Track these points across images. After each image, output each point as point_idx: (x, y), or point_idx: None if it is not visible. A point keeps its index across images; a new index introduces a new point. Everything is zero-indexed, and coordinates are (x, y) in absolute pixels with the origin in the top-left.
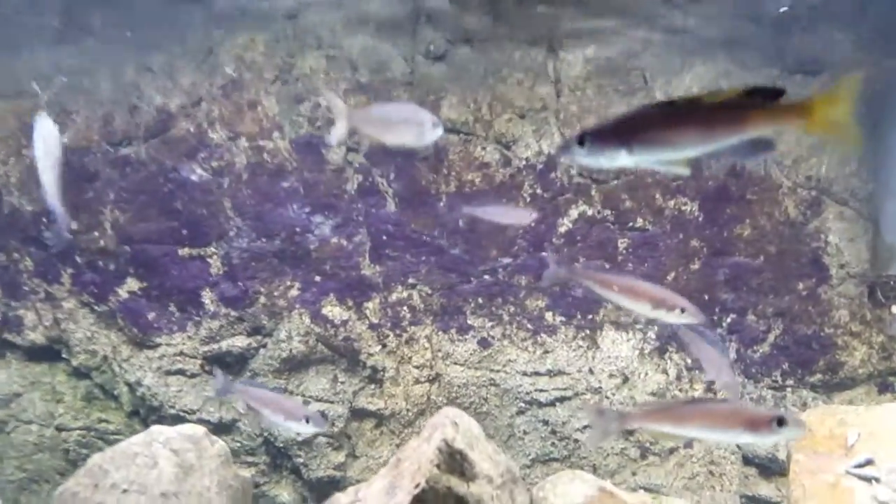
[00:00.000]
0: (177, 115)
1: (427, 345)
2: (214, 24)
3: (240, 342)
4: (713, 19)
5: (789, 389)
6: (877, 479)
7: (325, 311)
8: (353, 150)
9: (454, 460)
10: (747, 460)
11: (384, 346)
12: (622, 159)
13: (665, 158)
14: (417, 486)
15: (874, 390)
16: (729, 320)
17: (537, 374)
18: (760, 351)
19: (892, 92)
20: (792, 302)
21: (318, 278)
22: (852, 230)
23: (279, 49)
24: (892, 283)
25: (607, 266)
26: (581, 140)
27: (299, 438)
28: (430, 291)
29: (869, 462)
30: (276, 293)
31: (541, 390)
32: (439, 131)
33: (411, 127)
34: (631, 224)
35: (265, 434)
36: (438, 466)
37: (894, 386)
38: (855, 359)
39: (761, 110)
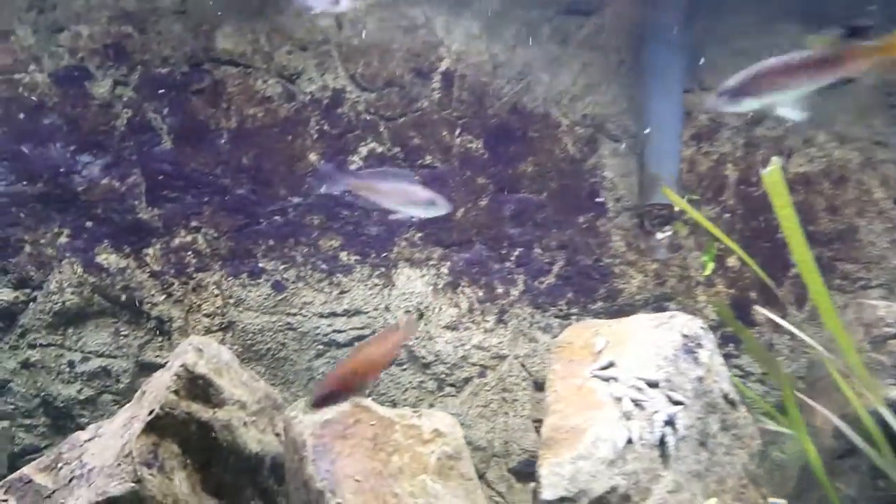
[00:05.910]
0: None
1: (217, 291)
2: None
3: (5, 296)
4: None
5: (574, 317)
6: (615, 379)
7: (99, 259)
8: (120, 83)
9: (196, 385)
10: (538, 386)
11: (169, 294)
12: (751, 104)
13: (783, 99)
14: (152, 412)
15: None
16: (517, 253)
17: (334, 314)
18: (547, 282)
19: (649, 38)
20: (573, 235)
21: (89, 224)
22: (626, 165)
23: None
24: (654, 211)
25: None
26: (721, 93)
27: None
28: (216, 234)
29: (611, 364)
30: (42, 241)
31: (338, 331)
32: None
33: None
34: (420, 161)
35: (42, 394)
36: (177, 392)
37: (668, 309)
38: (632, 286)
39: (858, 52)
